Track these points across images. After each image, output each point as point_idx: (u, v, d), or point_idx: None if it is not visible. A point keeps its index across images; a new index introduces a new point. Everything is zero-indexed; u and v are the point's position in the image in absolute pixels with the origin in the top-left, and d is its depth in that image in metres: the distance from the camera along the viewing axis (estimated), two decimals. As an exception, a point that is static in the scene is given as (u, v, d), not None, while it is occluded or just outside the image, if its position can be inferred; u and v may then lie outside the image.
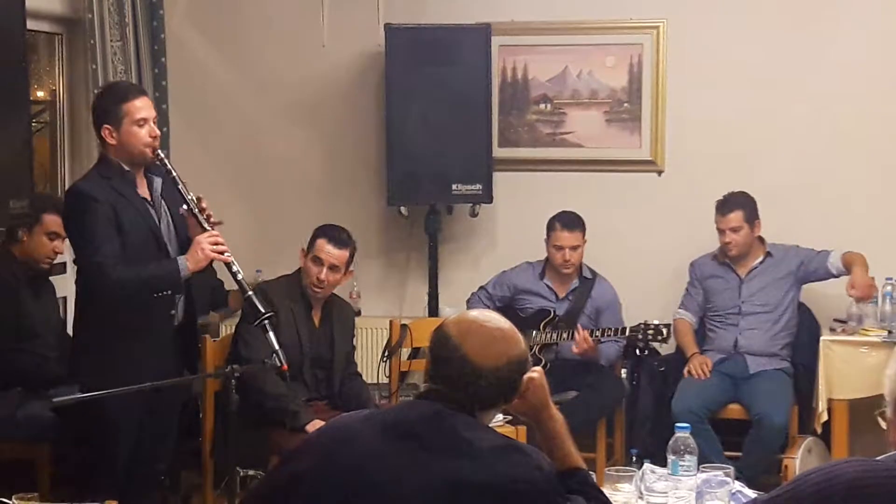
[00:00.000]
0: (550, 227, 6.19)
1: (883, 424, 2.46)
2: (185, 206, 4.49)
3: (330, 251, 5.32)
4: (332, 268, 5.32)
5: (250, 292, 4.45)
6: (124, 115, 4.41)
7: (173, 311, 4.55)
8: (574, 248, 6.14)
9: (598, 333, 5.98)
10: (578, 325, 6.00)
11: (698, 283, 6.29)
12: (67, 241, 4.81)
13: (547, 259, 6.28)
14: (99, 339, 4.45)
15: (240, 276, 4.44)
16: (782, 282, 6.13)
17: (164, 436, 4.71)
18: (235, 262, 4.45)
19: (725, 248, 6.15)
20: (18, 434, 5.00)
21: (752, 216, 6.10)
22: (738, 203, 6.09)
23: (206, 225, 4.45)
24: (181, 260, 4.43)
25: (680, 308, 6.29)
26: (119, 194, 4.40)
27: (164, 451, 4.77)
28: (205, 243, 4.42)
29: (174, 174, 4.45)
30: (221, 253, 4.44)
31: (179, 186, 4.44)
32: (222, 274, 5.24)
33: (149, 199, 4.52)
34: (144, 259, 4.42)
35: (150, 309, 4.46)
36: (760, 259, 6.17)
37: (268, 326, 4.38)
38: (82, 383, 4.37)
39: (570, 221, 6.16)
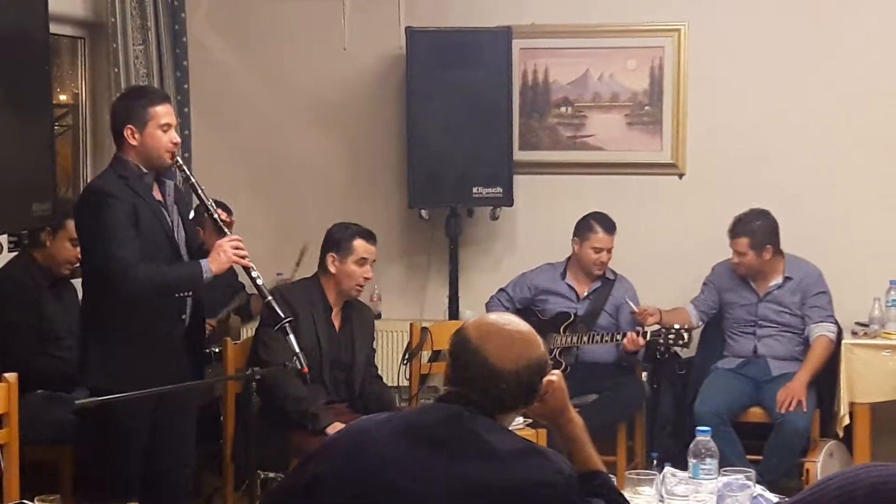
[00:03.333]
0: (588, 229, 6.19)
1: None
2: (193, 213, 4.51)
3: (368, 248, 5.38)
4: (370, 263, 5.41)
5: (269, 297, 4.46)
6: (150, 117, 4.42)
7: (184, 316, 4.55)
8: (609, 250, 6.17)
9: (618, 337, 5.98)
10: (630, 333, 5.95)
11: (716, 289, 6.27)
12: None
13: (569, 259, 6.29)
14: (108, 340, 4.43)
15: (260, 281, 4.46)
16: (797, 304, 6.09)
17: (181, 437, 4.67)
18: (255, 268, 4.48)
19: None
20: (41, 436, 4.99)
21: (760, 243, 6.01)
22: (745, 229, 6.02)
23: (225, 229, 4.49)
24: (204, 262, 4.44)
25: (691, 301, 6.28)
26: (137, 194, 4.40)
27: (186, 453, 4.73)
28: (226, 246, 4.44)
29: (193, 180, 4.47)
30: (243, 258, 4.47)
31: (199, 192, 4.46)
32: (242, 277, 5.27)
33: (162, 202, 4.52)
34: (160, 260, 4.42)
35: (162, 310, 4.46)
36: (779, 282, 6.11)
37: (288, 329, 4.40)
38: (92, 385, 4.37)
39: (608, 224, 6.19)
